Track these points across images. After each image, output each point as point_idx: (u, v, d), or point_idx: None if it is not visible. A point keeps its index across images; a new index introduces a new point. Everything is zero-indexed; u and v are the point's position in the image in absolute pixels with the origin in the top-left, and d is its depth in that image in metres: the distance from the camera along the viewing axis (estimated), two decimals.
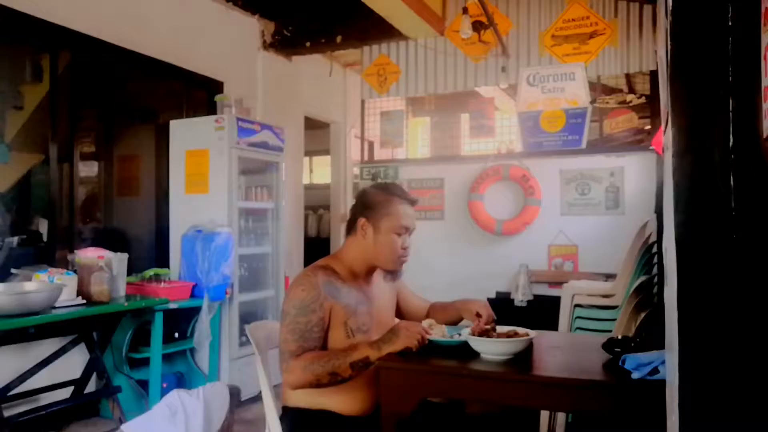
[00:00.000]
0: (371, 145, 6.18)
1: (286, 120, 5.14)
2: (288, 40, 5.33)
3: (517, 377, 1.59)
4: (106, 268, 3.18)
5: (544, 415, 2.69)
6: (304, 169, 6.57)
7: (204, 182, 4.03)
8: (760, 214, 0.80)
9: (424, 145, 6.85)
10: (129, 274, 3.52)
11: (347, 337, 1.81)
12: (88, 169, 4.06)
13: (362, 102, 5.70)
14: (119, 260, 3.35)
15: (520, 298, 4.17)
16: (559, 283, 4.14)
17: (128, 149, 4.44)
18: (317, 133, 6.81)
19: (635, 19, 4.63)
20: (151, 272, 3.68)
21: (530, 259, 4.50)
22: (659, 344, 1.44)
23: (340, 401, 1.81)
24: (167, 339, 3.58)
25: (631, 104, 5.70)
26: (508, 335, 1.73)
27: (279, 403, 1.90)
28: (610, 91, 6.39)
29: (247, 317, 4.03)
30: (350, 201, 1.91)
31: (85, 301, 3.06)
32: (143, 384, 3.51)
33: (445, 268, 4.92)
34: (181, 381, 3.84)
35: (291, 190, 5.17)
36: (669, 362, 1.07)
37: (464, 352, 1.71)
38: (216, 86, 4.67)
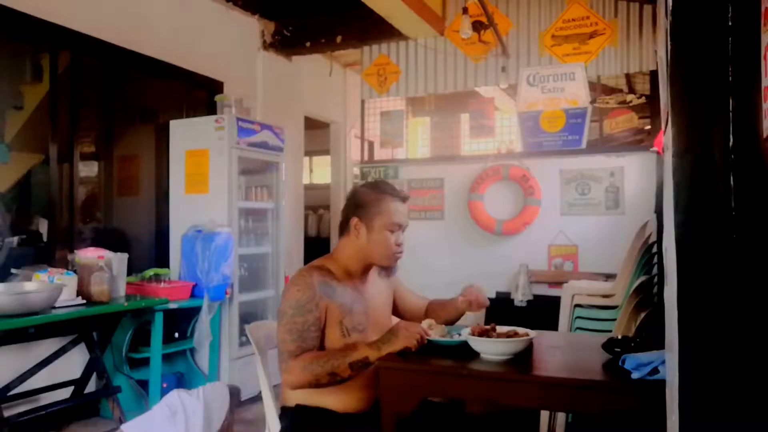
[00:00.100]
0: (371, 145, 6.18)
1: (286, 120, 5.14)
2: (288, 40, 5.33)
3: (517, 377, 1.59)
4: (106, 268, 3.18)
5: (544, 415, 2.69)
6: (304, 169, 6.57)
7: (204, 182, 4.03)
8: (760, 214, 0.80)
9: (424, 145, 6.84)
10: (129, 274, 3.52)
11: (343, 336, 1.81)
12: (88, 169, 4.06)
13: (362, 102, 5.70)
14: (119, 260, 3.35)
15: (520, 298, 4.15)
16: (559, 283, 4.14)
17: (128, 149, 4.44)
18: (317, 133, 6.81)
19: (635, 19, 4.63)
20: (151, 272, 3.68)
21: (530, 259, 4.48)
22: (659, 344, 1.44)
23: (340, 401, 1.81)
24: (167, 339, 3.58)
25: (631, 104, 5.70)
26: (508, 335, 1.73)
27: (279, 402, 1.90)
28: (610, 91, 6.39)
29: (247, 317, 4.03)
30: (345, 198, 1.91)
31: (85, 301, 3.06)
32: (143, 384, 3.51)
33: (445, 268, 4.91)
34: (181, 381, 3.84)
35: (291, 190, 5.17)
36: (669, 362, 1.07)
37: (464, 352, 1.71)
38: (216, 86, 4.67)
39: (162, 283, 3.60)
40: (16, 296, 2.71)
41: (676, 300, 0.87)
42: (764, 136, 0.77)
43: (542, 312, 3.73)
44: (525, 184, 4.74)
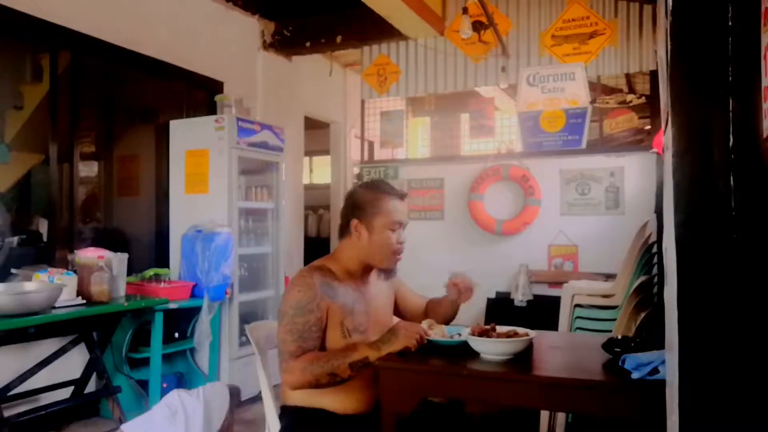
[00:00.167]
0: (371, 145, 6.18)
1: (286, 120, 5.14)
2: (288, 40, 5.33)
3: (517, 377, 1.59)
4: (106, 268, 3.18)
5: (544, 415, 2.69)
6: (304, 169, 6.57)
7: (204, 182, 4.03)
8: (760, 214, 0.80)
9: (424, 145, 6.84)
10: (129, 274, 3.52)
11: (344, 337, 1.81)
12: (88, 169, 4.06)
13: (362, 102, 5.70)
14: (119, 260, 3.35)
15: (519, 298, 4.17)
16: (559, 283, 4.14)
17: (128, 149, 4.44)
18: (317, 133, 6.81)
19: (635, 19, 4.63)
20: (151, 272, 3.68)
21: (530, 259, 4.49)
22: (659, 344, 1.44)
23: (340, 401, 1.81)
24: (167, 339, 3.58)
25: (631, 104, 5.69)
26: (507, 335, 1.72)
27: (279, 403, 1.90)
28: (610, 91, 6.39)
29: (247, 317, 4.03)
30: (344, 199, 1.91)
31: (85, 301, 3.06)
32: (143, 384, 3.51)
33: (445, 268, 4.84)
34: (181, 381, 3.84)
35: (291, 190, 5.17)
36: (669, 362, 1.07)
37: (464, 352, 1.71)
38: (216, 86, 4.67)
39: (162, 283, 3.61)
40: (16, 296, 2.71)
41: (676, 300, 0.87)
42: (764, 136, 0.77)
43: (542, 312, 3.73)
44: (525, 184, 4.74)
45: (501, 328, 1.79)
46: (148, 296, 3.45)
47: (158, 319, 3.39)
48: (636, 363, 1.45)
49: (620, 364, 1.51)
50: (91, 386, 3.45)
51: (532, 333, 1.75)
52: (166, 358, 3.61)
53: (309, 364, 1.71)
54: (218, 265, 3.70)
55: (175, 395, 2.40)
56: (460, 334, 1.83)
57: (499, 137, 5.57)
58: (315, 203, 7.38)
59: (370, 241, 1.89)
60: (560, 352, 1.88)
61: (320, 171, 8.22)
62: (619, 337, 1.81)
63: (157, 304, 3.37)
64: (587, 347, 1.88)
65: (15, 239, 3.32)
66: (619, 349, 1.60)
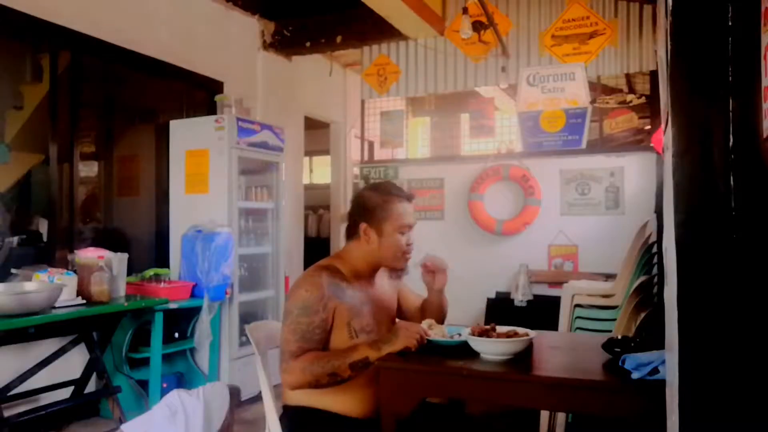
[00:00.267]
0: (371, 145, 6.18)
1: (286, 120, 5.14)
2: (288, 40, 5.33)
3: (517, 377, 1.59)
4: (106, 268, 3.18)
5: (544, 415, 2.69)
6: (304, 169, 6.57)
7: (204, 182, 4.03)
8: (760, 214, 0.80)
9: (424, 145, 6.84)
10: (129, 274, 3.52)
11: (351, 338, 1.80)
12: (88, 169, 4.06)
13: (362, 102, 5.70)
14: (119, 260, 3.35)
15: (520, 298, 4.17)
16: (559, 283, 4.13)
17: (128, 149, 4.44)
18: (317, 133, 6.81)
19: (635, 19, 4.63)
20: (151, 272, 3.68)
21: (530, 259, 4.50)
22: (659, 344, 1.43)
23: (340, 401, 1.81)
24: (167, 339, 3.58)
25: (631, 104, 5.70)
26: (507, 335, 1.72)
27: (279, 403, 1.90)
28: (610, 91, 6.39)
29: (247, 317, 4.03)
30: (350, 201, 1.92)
31: (85, 301, 3.06)
32: (143, 384, 3.51)
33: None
34: (181, 381, 3.84)
35: (291, 190, 5.17)
36: (669, 362, 1.07)
37: (464, 352, 1.71)
38: (216, 86, 4.67)
39: (162, 283, 3.60)
40: (16, 296, 2.71)
41: (676, 300, 0.87)
42: (764, 136, 0.77)
43: (542, 312, 3.73)
44: (525, 184, 4.74)
45: (501, 328, 1.79)
46: (148, 296, 3.45)
47: (158, 319, 3.39)
48: (636, 363, 1.45)
49: (620, 364, 1.51)
50: (91, 386, 3.45)
51: (532, 333, 1.75)
52: (166, 358, 3.60)
53: (309, 364, 1.71)
54: (218, 265, 3.70)
55: (175, 395, 2.40)
56: (460, 334, 1.82)
57: (499, 137, 5.57)
58: (315, 203, 7.38)
59: (380, 245, 1.89)
60: (560, 352, 1.88)
61: (320, 171, 8.22)
62: (619, 337, 1.81)
63: (157, 304, 3.37)
64: (587, 347, 1.88)
65: (15, 239, 3.32)
66: (619, 349, 1.60)
